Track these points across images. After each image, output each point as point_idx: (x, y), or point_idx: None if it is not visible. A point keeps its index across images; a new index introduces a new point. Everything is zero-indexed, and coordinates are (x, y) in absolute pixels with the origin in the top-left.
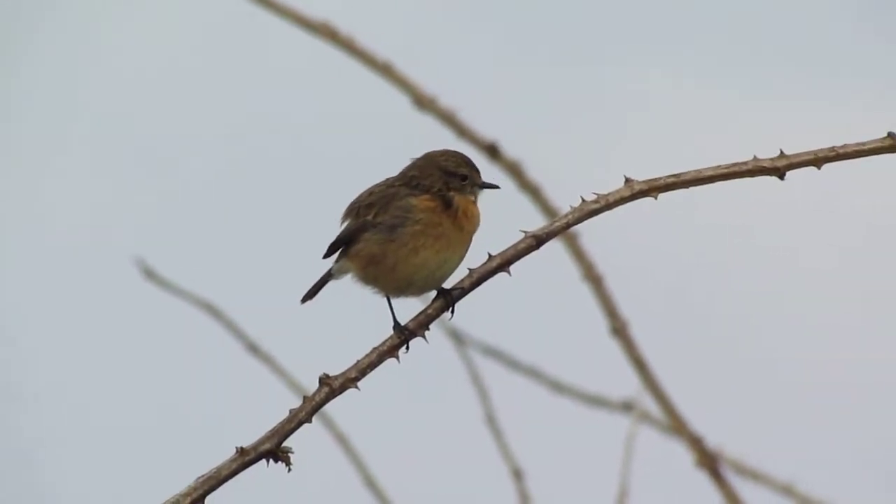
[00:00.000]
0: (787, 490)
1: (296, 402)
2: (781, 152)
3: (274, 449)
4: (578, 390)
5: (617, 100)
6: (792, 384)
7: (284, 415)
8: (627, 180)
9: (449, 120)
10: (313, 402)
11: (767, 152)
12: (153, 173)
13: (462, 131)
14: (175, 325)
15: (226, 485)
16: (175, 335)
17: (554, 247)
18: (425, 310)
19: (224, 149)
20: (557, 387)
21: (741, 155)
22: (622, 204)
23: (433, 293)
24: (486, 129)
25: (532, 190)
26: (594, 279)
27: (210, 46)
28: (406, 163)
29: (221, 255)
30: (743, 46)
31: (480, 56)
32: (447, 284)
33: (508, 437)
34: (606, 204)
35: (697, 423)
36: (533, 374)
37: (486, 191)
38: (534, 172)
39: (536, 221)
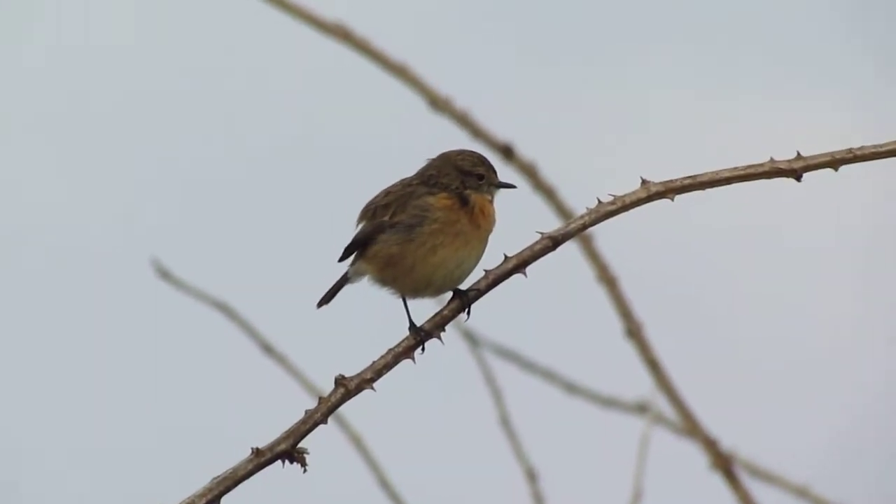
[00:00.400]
0: (801, 492)
1: (311, 403)
2: (798, 154)
3: (289, 450)
4: (593, 392)
5: (633, 101)
6: (807, 386)
7: (300, 416)
8: (644, 182)
9: (464, 121)
10: (329, 403)
11: (784, 154)
12: (169, 174)
13: (477, 132)
14: (190, 326)
15: (241, 485)
16: (190, 336)
17: (569, 248)
18: (441, 311)
19: (240, 150)
20: (572, 388)
21: (757, 157)
22: (639, 205)
23: (449, 294)
24: (502, 130)
25: (547, 191)
26: (609, 281)
27: (226, 48)
28: (422, 163)
29: (237, 256)
30: (758, 48)
31: (495, 57)
32: (463, 286)
33: (523, 439)
34: (623, 205)
35: (712, 424)
36: (547, 375)
37: (501, 192)
38: (549, 173)
39: (552, 223)
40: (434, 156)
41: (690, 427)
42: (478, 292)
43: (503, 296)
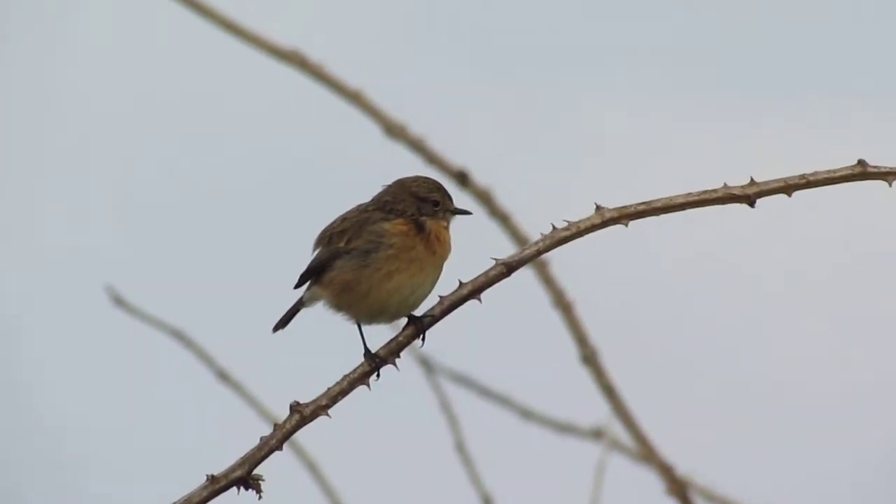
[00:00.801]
0: None
1: (267, 430)
2: (752, 180)
3: (245, 476)
4: (549, 417)
5: (589, 127)
6: (762, 410)
7: (255, 442)
8: (598, 207)
9: (419, 147)
10: (284, 430)
11: (738, 179)
12: (123, 200)
13: (432, 158)
14: (146, 353)
15: None
16: (146, 363)
17: (525, 274)
18: (396, 337)
19: (194, 177)
20: (528, 414)
21: (712, 182)
22: (593, 231)
23: (404, 320)
24: (457, 156)
25: (502, 217)
26: (564, 306)
27: (181, 74)
28: (378, 190)
29: (192, 283)
30: (717, 74)
31: (450, 84)
32: (418, 312)
33: (479, 465)
34: (577, 231)
35: (668, 450)
36: (503, 401)
37: (457, 218)
38: (504, 200)
39: (507, 249)
40: (390, 182)
41: (646, 453)
42: (433, 318)
43: (459, 322)
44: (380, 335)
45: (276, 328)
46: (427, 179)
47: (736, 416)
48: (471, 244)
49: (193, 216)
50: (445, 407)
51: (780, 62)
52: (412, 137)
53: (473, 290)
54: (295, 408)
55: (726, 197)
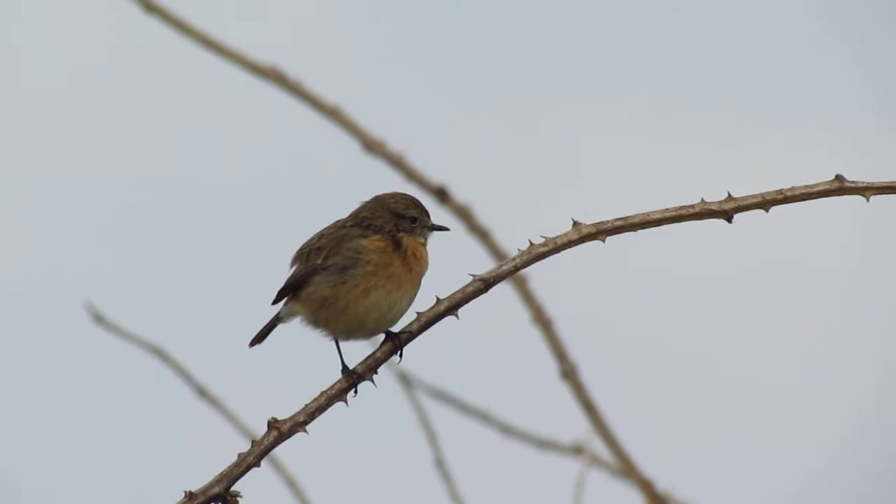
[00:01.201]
0: None
1: (244, 446)
2: (729, 195)
3: (223, 493)
4: (528, 433)
5: (566, 144)
6: (742, 425)
7: (233, 459)
8: (575, 223)
9: (398, 163)
10: (262, 446)
11: (716, 195)
12: (102, 218)
13: (411, 174)
14: (124, 369)
15: None
16: (124, 379)
17: (503, 290)
18: (374, 353)
19: (172, 193)
20: (507, 430)
21: (689, 198)
22: (570, 247)
23: (381, 337)
24: (436, 173)
25: (481, 233)
26: (544, 322)
27: (160, 91)
28: (356, 206)
29: (170, 300)
30: (693, 90)
31: (430, 100)
32: (396, 328)
33: (458, 480)
34: (554, 247)
35: (647, 465)
36: (482, 417)
37: (435, 234)
38: (483, 216)
39: (486, 264)
40: (368, 198)
41: (626, 468)
42: (410, 334)
43: (436, 338)
44: (358, 351)
45: (252, 343)
46: (405, 196)
47: (716, 430)
48: (450, 260)
49: (171, 232)
50: (424, 423)
51: (753, 82)
52: (391, 153)
53: (451, 307)
54: (273, 424)
55: (704, 212)
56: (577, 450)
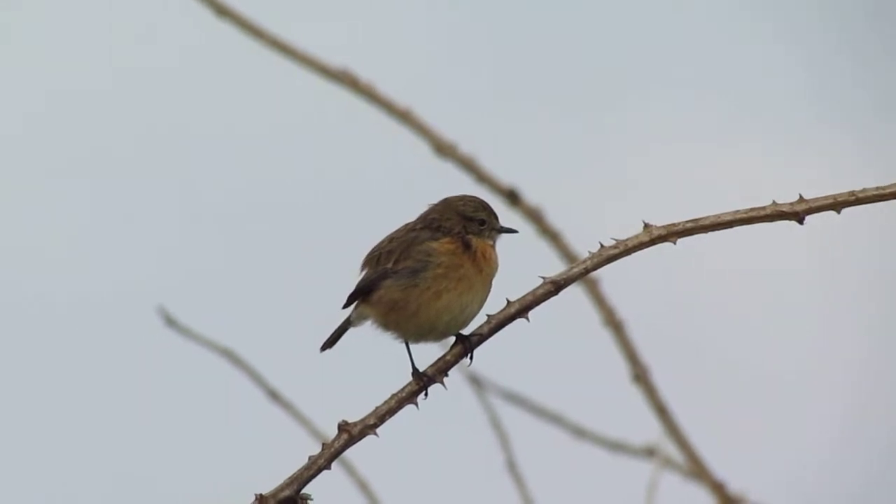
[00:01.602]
0: None
1: (315, 449)
2: (800, 197)
3: (293, 496)
4: (600, 436)
5: (637, 145)
6: (814, 428)
7: (304, 461)
8: (646, 225)
9: (469, 166)
10: (332, 449)
11: (785, 197)
12: (174, 221)
13: (482, 177)
14: (196, 373)
15: None
16: (196, 383)
17: (574, 292)
18: (444, 356)
19: (245, 197)
20: (579, 432)
21: (758, 200)
22: (641, 249)
23: (451, 339)
24: (507, 175)
25: (552, 236)
26: (615, 325)
27: (230, 95)
28: (424, 209)
29: (242, 303)
30: (758, 92)
31: (501, 103)
32: (466, 330)
33: (529, 484)
34: (625, 249)
35: (719, 468)
36: (554, 419)
37: (505, 236)
38: (554, 218)
39: (556, 267)
40: (436, 201)
41: (698, 470)
42: (480, 337)
43: (507, 340)
44: (428, 354)
45: (323, 347)
46: (473, 199)
47: (787, 432)
48: (521, 263)
49: (243, 236)
50: (495, 425)
51: (821, 85)
52: (462, 156)
53: (521, 309)
54: (343, 427)
55: (775, 214)
56: (649, 452)
